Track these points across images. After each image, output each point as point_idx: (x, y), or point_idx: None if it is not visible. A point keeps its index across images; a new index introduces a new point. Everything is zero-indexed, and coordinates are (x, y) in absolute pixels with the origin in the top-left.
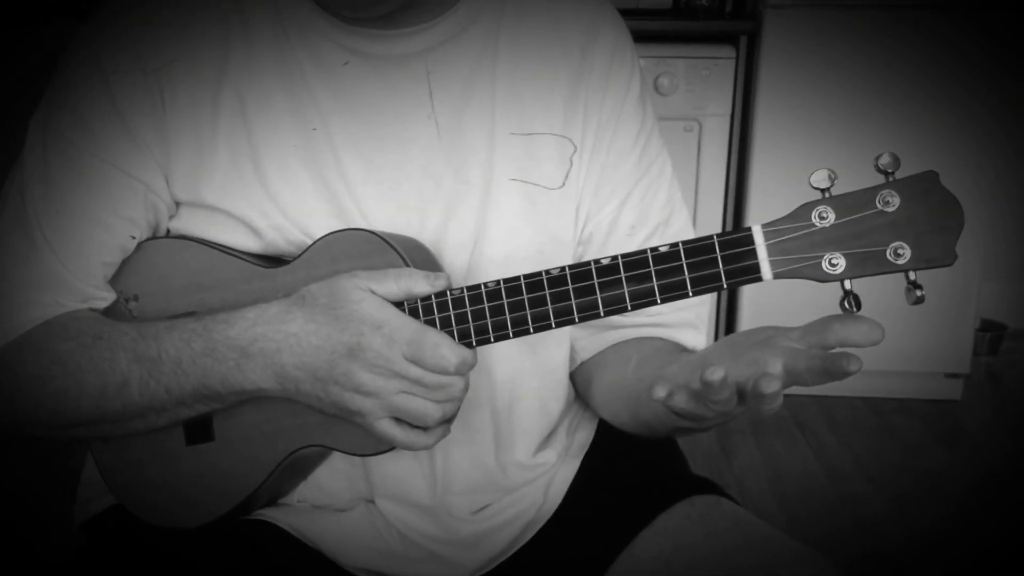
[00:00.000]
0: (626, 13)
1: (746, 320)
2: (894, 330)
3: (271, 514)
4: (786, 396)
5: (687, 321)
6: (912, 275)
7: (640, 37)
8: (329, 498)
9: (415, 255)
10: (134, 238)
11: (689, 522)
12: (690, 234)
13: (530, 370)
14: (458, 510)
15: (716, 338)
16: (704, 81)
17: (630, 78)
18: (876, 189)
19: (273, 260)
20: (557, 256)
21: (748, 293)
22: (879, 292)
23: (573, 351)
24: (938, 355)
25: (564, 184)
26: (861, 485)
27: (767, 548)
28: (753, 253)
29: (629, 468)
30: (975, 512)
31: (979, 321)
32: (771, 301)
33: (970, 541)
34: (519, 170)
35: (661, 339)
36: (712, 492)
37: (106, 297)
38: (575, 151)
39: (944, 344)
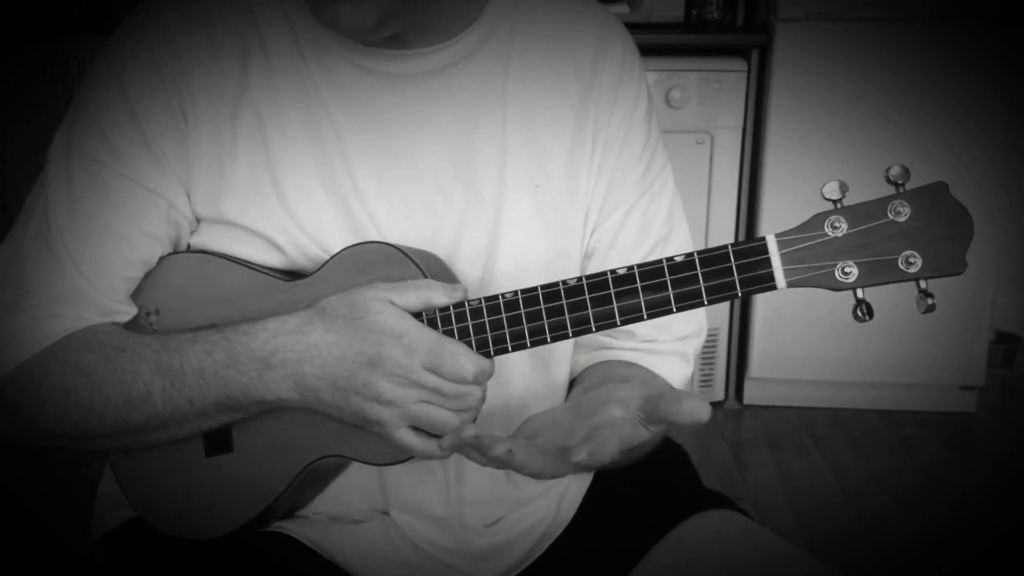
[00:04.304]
0: (638, 27)
1: (760, 326)
2: (909, 342)
3: (288, 526)
4: (800, 408)
5: (678, 351)
6: (923, 284)
7: (652, 50)
8: (345, 509)
9: (432, 267)
10: (156, 253)
11: (702, 536)
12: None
13: (540, 387)
14: (472, 522)
15: (729, 345)
16: (716, 94)
17: (638, 95)
18: (887, 199)
19: (293, 274)
20: (567, 271)
21: (760, 301)
22: (892, 305)
23: (572, 372)
24: (953, 367)
25: (574, 200)
26: (876, 497)
27: (781, 564)
28: (767, 262)
29: (642, 481)
30: (990, 524)
31: (993, 333)
32: (783, 309)
33: (984, 551)
34: (530, 186)
35: (636, 366)
36: (725, 506)
37: (128, 312)
38: (585, 167)
39: (958, 356)
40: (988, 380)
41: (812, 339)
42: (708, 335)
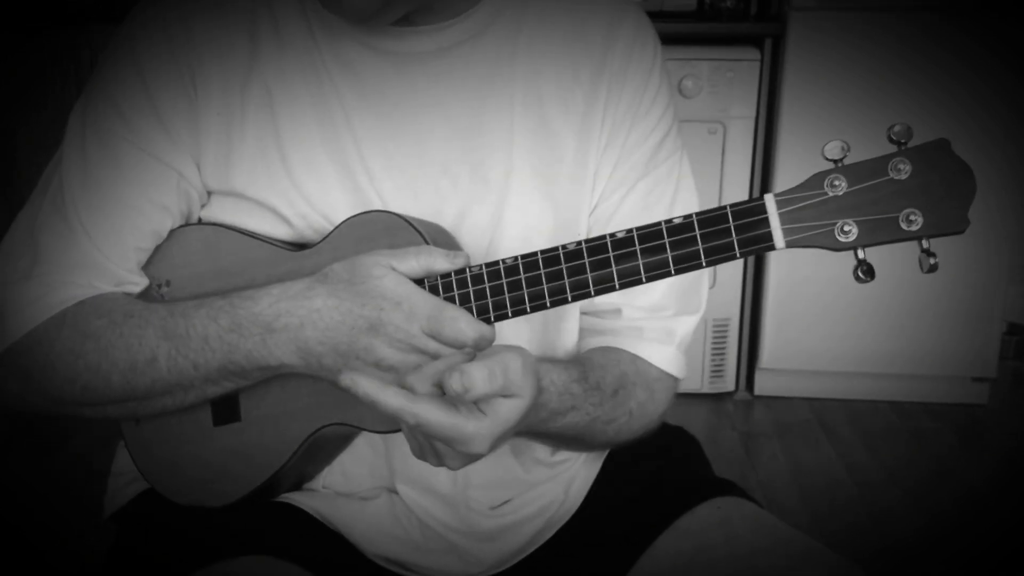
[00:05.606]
0: (650, 15)
1: (771, 317)
2: (920, 334)
3: (296, 498)
4: (811, 399)
5: (665, 331)
6: (925, 243)
7: (664, 39)
8: (352, 484)
9: (437, 237)
10: (167, 225)
11: (711, 524)
12: None
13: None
14: (478, 504)
15: (740, 335)
16: (728, 83)
17: (648, 75)
18: (888, 157)
19: (300, 245)
20: None
21: (772, 291)
22: (905, 296)
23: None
24: (964, 359)
25: (583, 183)
26: (887, 489)
27: (790, 550)
28: (766, 222)
29: (652, 469)
30: (1001, 517)
31: (1005, 325)
32: (794, 300)
33: (995, 546)
34: (538, 169)
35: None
36: (735, 494)
37: (139, 282)
38: (594, 149)
39: (970, 348)
40: (1000, 372)
41: (823, 330)
42: (719, 325)
